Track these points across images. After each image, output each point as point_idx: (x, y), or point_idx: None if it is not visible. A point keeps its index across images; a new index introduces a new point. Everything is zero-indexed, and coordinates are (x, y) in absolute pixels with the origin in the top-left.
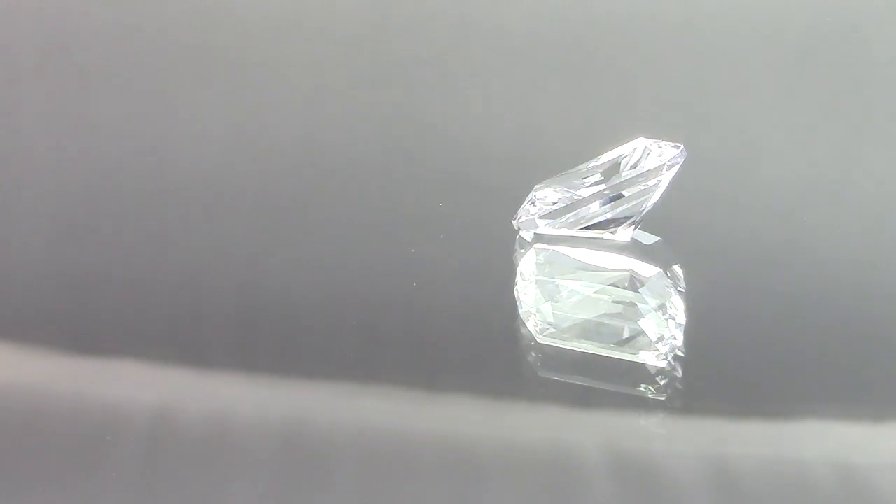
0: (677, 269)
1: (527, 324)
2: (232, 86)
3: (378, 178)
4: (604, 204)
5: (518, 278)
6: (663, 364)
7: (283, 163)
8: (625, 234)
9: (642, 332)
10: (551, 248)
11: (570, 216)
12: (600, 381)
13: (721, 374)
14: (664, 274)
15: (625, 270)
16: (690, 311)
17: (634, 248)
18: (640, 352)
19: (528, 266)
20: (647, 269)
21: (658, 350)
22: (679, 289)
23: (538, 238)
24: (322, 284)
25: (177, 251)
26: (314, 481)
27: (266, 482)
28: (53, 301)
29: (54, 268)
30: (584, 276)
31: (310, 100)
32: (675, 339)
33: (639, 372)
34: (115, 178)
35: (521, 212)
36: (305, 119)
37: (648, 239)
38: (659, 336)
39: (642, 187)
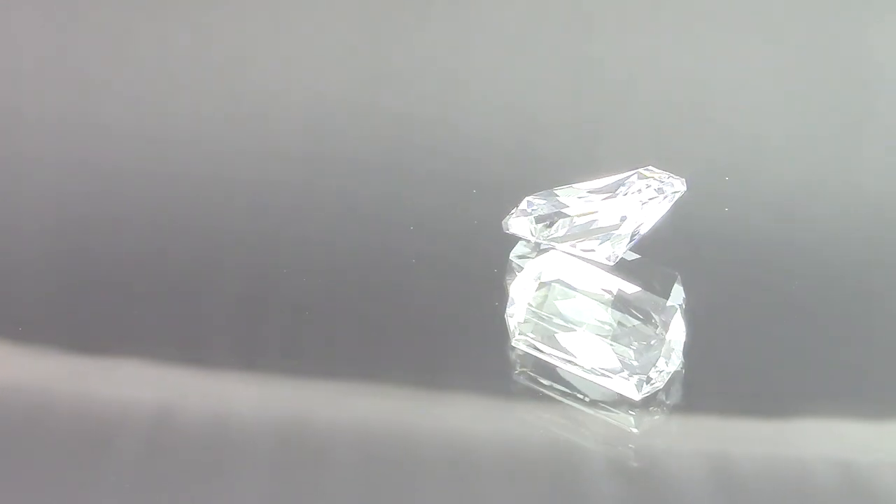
0: (682, 306)
1: (509, 324)
2: (231, 83)
3: (376, 177)
4: (593, 223)
5: (515, 279)
6: (637, 398)
7: (283, 163)
8: (609, 256)
9: (619, 362)
10: (560, 256)
11: (557, 228)
12: (573, 395)
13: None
14: (664, 308)
15: (621, 296)
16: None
17: (641, 278)
18: (616, 380)
19: (532, 269)
20: (647, 301)
21: (636, 383)
22: (678, 327)
23: (548, 246)
24: (317, 281)
25: (176, 250)
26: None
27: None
28: (56, 300)
29: (56, 266)
30: (583, 292)
31: (310, 102)
32: (660, 375)
33: (616, 396)
34: (117, 176)
35: (510, 216)
36: (306, 121)
37: (661, 271)
38: (639, 369)
39: (635, 212)
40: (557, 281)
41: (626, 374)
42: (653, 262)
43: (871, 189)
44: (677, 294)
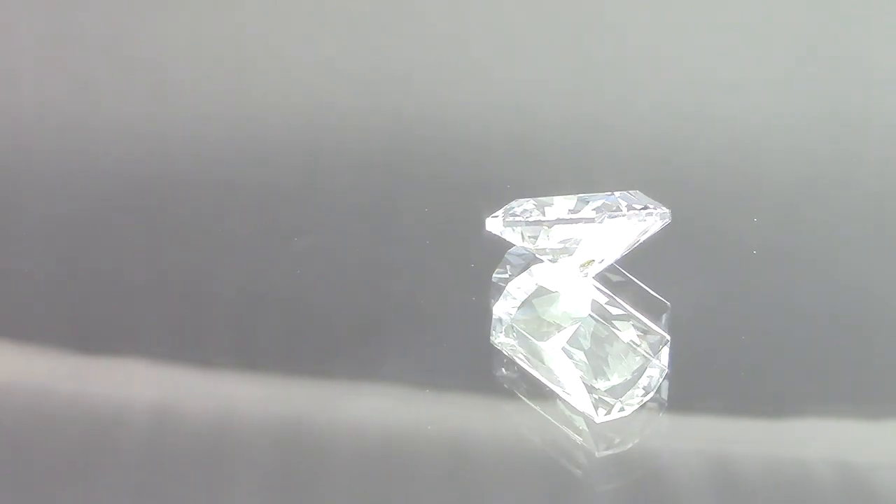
0: (666, 342)
1: (495, 320)
2: (230, 82)
3: (374, 178)
4: (570, 239)
5: (514, 278)
6: (598, 420)
7: (281, 162)
8: (585, 274)
9: (586, 383)
10: (565, 266)
11: (535, 237)
12: (543, 401)
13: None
14: (649, 339)
15: (609, 318)
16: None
17: (633, 304)
18: (583, 399)
19: (535, 273)
20: (634, 328)
21: (601, 405)
22: (661, 359)
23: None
24: (312, 280)
25: (176, 249)
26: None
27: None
28: (57, 300)
29: (55, 266)
30: (578, 306)
31: (309, 101)
32: (633, 401)
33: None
34: (117, 175)
35: (491, 217)
36: (306, 120)
37: (654, 300)
38: (608, 393)
39: (613, 235)
40: (557, 289)
41: (593, 395)
42: (647, 288)
43: (871, 192)
44: (665, 326)
